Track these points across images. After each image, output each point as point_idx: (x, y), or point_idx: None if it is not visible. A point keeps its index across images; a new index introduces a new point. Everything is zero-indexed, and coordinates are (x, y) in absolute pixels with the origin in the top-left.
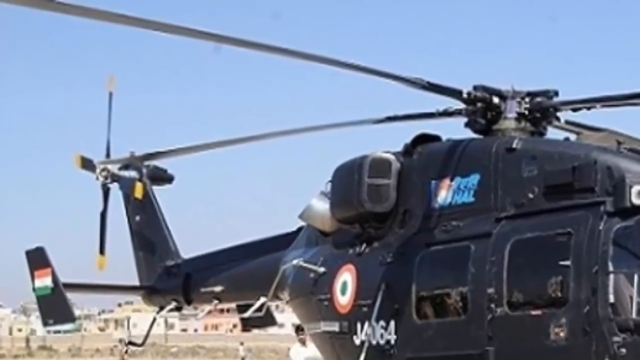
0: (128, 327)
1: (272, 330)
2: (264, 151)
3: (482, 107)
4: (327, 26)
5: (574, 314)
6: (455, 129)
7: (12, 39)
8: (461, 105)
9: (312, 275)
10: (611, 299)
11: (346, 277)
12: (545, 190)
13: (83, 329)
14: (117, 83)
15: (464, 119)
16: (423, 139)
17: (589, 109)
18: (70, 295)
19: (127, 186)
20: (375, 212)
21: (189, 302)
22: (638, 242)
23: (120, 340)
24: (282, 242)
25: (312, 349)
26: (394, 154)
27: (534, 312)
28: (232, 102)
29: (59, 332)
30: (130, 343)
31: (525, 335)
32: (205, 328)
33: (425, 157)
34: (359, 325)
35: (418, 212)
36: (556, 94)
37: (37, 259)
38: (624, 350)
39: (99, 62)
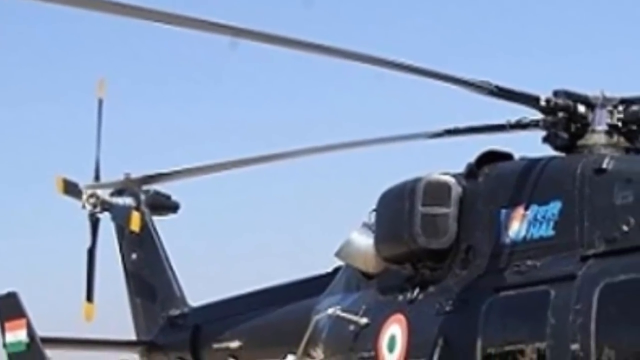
0: None
1: None
2: (293, 173)
3: (565, 118)
4: (371, 17)
5: None
6: (531, 145)
7: None
8: (538, 116)
9: (352, 327)
10: None
11: (395, 330)
12: None
13: None
14: (109, 88)
15: (542, 132)
16: (491, 158)
17: None
18: (51, 353)
19: (121, 216)
20: (431, 248)
21: None
22: None
23: None
24: (314, 286)
25: None
26: (455, 176)
27: None
28: (252, 112)
29: None
30: None
31: None
32: None
33: (494, 180)
34: None
35: (484, 248)
36: None
37: (9, 308)
38: None
39: (86, 62)
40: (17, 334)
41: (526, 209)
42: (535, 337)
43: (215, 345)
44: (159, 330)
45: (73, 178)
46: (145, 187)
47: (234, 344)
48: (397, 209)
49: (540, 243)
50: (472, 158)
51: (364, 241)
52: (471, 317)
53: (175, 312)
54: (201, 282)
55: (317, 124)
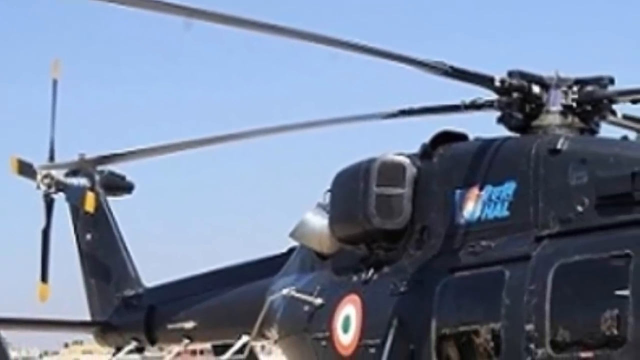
0: None
1: None
2: (249, 153)
3: (519, 98)
4: None
5: (633, 357)
6: (485, 126)
7: None
8: (493, 96)
9: (306, 308)
10: None
11: (349, 310)
12: (597, 202)
13: None
14: (64, 69)
15: (497, 113)
16: (445, 138)
17: None
18: (5, 334)
19: (75, 197)
20: (386, 229)
21: (152, 342)
22: None
23: None
24: (269, 267)
25: None
26: (409, 156)
27: (583, 354)
28: (208, 93)
29: None
30: None
31: None
32: None
33: (448, 161)
34: None
35: (439, 229)
36: (611, 81)
37: None
38: None
39: (40, 43)
40: None
41: (481, 189)
42: (490, 318)
43: (170, 326)
44: (114, 311)
45: (27, 158)
46: (100, 168)
47: (189, 325)
48: (351, 190)
49: (495, 223)
50: (426, 139)
51: (319, 222)
52: (426, 297)
53: (129, 292)
54: (156, 263)
55: (272, 104)
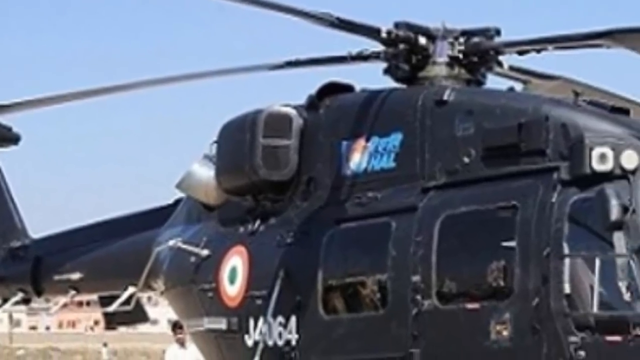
0: None
1: (143, 328)
2: (136, 105)
3: (406, 50)
4: None
5: (520, 308)
6: (372, 77)
7: None
8: (379, 47)
9: (193, 259)
10: (567, 289)
11: (235, 261)
12: (484, 154)
13: None
14: None
15: (383, 64)
16: (332, 90)
17: (538, 51)
18: None
19: None
20: (272, 180)
21: (39, 293)
22: (600, 217)
23: None
24: (155, 218)
25: (192, 352)
26: (296, 107)
27: (469, 306)
28: (95, 44)
29: None
30: None
31: (459, 334)
32: (60, 325)
33: (335, 112)
34: (251, 322)
35: (325, 180)
36: (498, 32)
37: None
38: (582, 353)
39: None
40: None
41: (367, 140)
42: (376, 269)
43: (56, 277)
44: (0, 262)
45: None
46: None
47: (75, 276)
48: (238, 141)
49: (382, 175)
50: (313, 90)
51: (205, 173)
52: (312, 248)
53: (16, 243)
54: (42, 214)
55: (159, 56)
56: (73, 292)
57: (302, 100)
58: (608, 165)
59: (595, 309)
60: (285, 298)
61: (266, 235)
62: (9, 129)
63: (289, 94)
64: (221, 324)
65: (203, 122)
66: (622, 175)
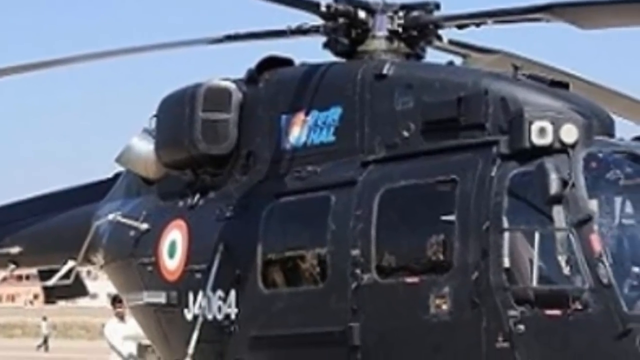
0: None
1: (82, 302)
2: (74, 79)
3: (345, 24)
4: None
5: (459, 282)
6: (311, 51)
7: None
8: (319, 21)
9: (132, 233)
10: (506, 263)
11: (175, 235)
12: (423, 127)
13: None
14: None
15: (323, 38)
16: (271, 64)
17: (478, 25)
18: None
19: None
20: (211, 154)
21: None
22: (539, 191)
23: None
24: (95, 192)
25: (132, 325)
26: (235, 81)
27: (409, 280)
28: (33, 17)
29: None
30: None
31: (399, 309)
32: None
33: (274, 86)
34: (191, 296)
35: (265, 154)
36: (437, 6)
37: None
38: (521, 326)
39: None
40: None
41: (307, 114)
42: (316, 243)
43: None
44: None
45: None
46: None
47: (14, 250)
48: (177, 115)
49: (321, 149)
50: (252, 64)
51: (145, 147)
52: (251, 222)
53: None
54: None
55: (98, 30)
56: (12, 265)
57: (241, 74)
58: (547, 139)
59: (534, 283)
60: (224, 272)
61: (206, 209)
62: None
63: (228, 68)
64: (160, 298)
65: (142, 96)
66: (561, 149)
